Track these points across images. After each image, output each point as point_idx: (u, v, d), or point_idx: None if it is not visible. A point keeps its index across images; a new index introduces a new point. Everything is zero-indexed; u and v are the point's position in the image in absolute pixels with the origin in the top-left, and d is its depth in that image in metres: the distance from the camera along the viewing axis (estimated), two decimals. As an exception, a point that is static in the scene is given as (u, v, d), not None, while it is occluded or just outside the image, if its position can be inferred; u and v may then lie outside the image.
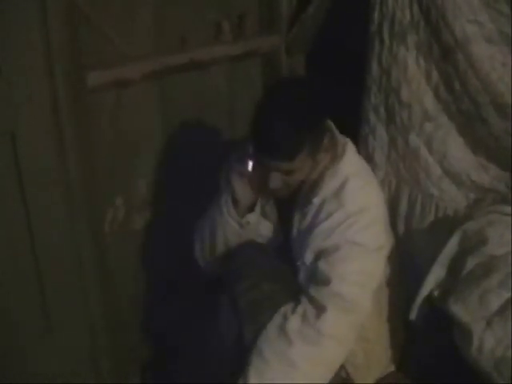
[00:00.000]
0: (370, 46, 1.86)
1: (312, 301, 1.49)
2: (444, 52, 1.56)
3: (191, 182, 2.09)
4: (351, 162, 1.60)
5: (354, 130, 1.97)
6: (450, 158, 1.86)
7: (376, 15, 1.81)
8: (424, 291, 1.64)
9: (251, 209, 1.65)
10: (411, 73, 1.80)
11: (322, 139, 1.53)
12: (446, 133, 1.83)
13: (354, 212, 1.52)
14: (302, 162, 1.50)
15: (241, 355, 1.50)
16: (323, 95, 1.52)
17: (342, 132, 1.64)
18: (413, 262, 1.80)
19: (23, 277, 1.64)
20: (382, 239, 1.58)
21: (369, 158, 1.97)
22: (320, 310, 1.47)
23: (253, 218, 1.65)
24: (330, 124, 1.61)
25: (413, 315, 1.65)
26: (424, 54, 1.70)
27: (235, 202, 1.63)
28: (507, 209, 1.68)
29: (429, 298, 1.64)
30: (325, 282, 1.49)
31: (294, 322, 1.48)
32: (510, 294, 1.47)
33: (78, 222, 1.69)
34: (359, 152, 1.71)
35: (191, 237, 1.77)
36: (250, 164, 1.55)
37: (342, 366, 1.57)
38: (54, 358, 1.72)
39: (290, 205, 1.63)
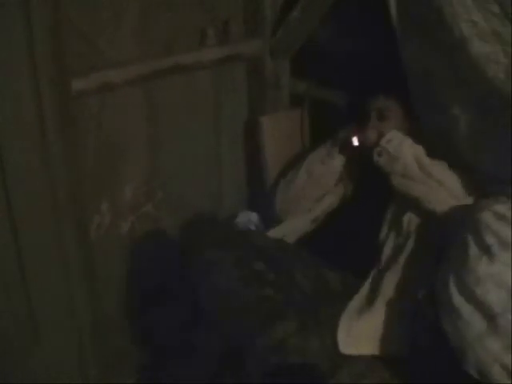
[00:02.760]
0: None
1: None
2: (448, 50, 1.60)
3: (177, 186, 2.09)
4: None
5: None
6: None
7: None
8: None
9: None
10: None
11: (408, 109, 1.80)
12: None
13: None
14: (395, 107, 1.84)
15: (229, 357, 1.52)
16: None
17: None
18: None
19: (9, 287, 1.62)
20: None
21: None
22: None
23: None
24: None
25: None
26: (436, 53, 1.71)
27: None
28: None
29: None
30: None
31: None
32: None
33: (64, 228, 1.68)
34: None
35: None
36: (356, 139, 1.87)
37: None
38: (43, 369, 1.71)
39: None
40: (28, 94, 1.54)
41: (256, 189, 2.29)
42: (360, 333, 1.62)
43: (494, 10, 1.49)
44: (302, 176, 2.00)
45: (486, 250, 1.39)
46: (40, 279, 1.66)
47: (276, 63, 2.18)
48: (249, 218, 2.15)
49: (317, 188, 1.99)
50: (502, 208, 1.43)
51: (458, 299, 1.38)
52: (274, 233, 1.97)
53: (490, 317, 1.32)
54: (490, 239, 1.39)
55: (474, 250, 1.41)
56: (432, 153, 1.81)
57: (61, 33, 1.59)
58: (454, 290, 1.40)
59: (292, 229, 1.99)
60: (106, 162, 1.87)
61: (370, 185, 1.91)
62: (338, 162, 1.95)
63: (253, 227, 2.12)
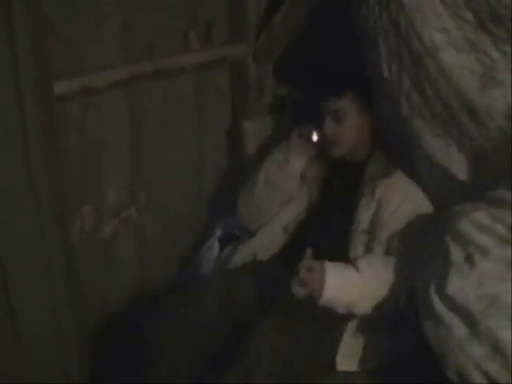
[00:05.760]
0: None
1: None
2: (415, 60, 1.58)
3: (160, 190, 2.08)
4: None
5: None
6: None
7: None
8: None
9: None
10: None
11: (366, 101, 1.80)
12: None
13: None
14: (349, 106, 1.79)
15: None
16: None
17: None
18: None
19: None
20: None
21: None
22: None
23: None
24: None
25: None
26: (395, 62, 1.69)
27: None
28: None
29: None
30: None
31: None
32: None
33: (46, 231, 1.67)
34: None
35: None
36: (315, 134, 1.87)
37: None
38: (24, 371, 1.69)
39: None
40: (10, 96, 1.53)
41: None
42: (354, 351, 1.64)
43: (468, 17, 1.48)
44: (260, 185, 1.96)
45: (467, 259, 1.40)
46: (22, 283, 1.64)
47: (259, 67, 2.19)
48: (233, 223, 2.14)
49: (278, 194, 1.94)
50: (481, 216, 1.44)
51: (439, 306, 1.39)
52: (245, 249, 1.93)
53: (471, 324, 1.34)
54: (470, 248, 1.40)
55: (454, 258, 1.42)
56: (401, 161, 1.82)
57: (43, 36, 1.58)
58: (435, 296, 1.41)
59: (264, 243, 1.92)
60: (89, 165, 1.86)
61: (336, 186, 1.89)
62: (296, 164, 1.92)
63: (237, 232, 2.10)
